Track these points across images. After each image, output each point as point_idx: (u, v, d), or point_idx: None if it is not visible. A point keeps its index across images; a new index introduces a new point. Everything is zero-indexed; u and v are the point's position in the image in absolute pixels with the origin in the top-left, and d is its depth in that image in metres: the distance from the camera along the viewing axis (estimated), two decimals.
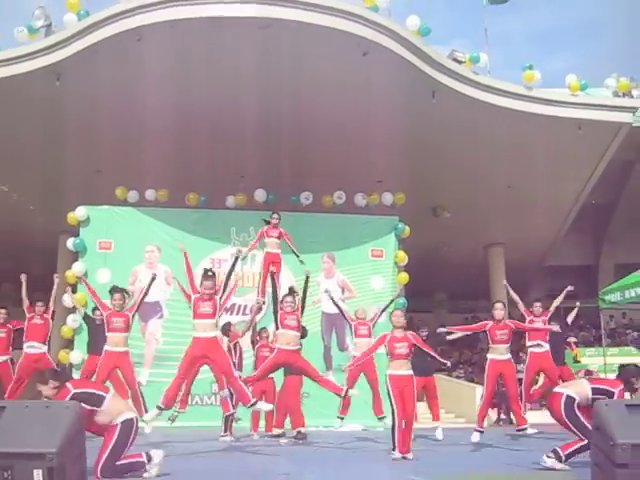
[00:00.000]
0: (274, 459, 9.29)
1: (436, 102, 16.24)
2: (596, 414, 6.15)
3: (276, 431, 11.86)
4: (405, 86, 16.21)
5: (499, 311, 10.45)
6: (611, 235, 29.93)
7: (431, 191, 20.20)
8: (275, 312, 10.79)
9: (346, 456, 10.21)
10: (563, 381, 12.50)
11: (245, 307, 16.89)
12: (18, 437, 4.98)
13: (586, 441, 6.97)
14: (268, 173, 17.58)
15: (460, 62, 17.00)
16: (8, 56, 15.92)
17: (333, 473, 7.88)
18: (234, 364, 11.39)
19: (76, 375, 14.59)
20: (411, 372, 9.02)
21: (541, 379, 13.86)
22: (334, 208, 18.10)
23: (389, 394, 8.85)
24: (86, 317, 14.70)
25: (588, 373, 17.90)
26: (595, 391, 7.32)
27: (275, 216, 14.36)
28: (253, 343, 13.22)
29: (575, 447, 7.27)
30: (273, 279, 13.22)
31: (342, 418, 12.69)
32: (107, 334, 11.41)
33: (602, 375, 17.62)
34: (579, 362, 14.82)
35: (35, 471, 4.86)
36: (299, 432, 11.62)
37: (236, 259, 10.95)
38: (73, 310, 16.84)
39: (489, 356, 11.04)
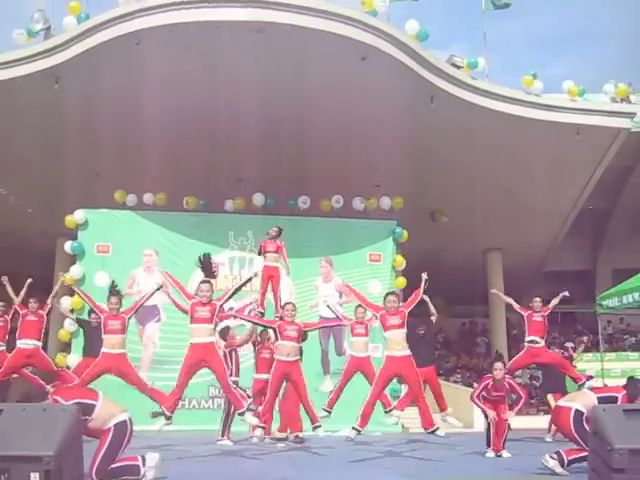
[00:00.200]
0: (271, 463, 9.28)
1: (434, 107, 16.25)
2: (594, 419, 6.15)
3: (279, 435, 11.89)
4: (404, 91, 16.23)
5: (498, 371, 10.12)
6: (609, 240, 29.97)
7: (429, 196, 20.21)
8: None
9: (343, 460, 10.19)
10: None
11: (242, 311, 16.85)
12: (15, 440, 4.98)
13: (585, 455, 6.96)
14: (266, 177, 17.59)
15: (458, 67, 17.02)
16: (7, 59, 15.92)
17: (330, 477, 7.87)
18: (230, 370, 11.43)
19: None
20: (408, 352, 9.42)
21: None
22: (332, 212, 18.11)
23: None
24: (81, 321, 14.70)
25: (589, 378, 17.86)
26: (601, 400, 7.31)
27: (274, 228, 14.25)
28: (254, 344, 13.25)
29: (580, 455, 7.24)
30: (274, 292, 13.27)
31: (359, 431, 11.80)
32: (103, 336, 11.33)
33: (600, 380, 17.60)
34: (575, 367, 14.80)
35: (32, 474, 4.85)
36: (297, 436, 11.64)
37: (249, 279, 10.94)
38: (70, 313, 16.85)
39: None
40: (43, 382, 13.01)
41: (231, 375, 11.51)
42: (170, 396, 9.41)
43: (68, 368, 16.21)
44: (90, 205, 17.18)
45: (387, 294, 10.11)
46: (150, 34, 14.51)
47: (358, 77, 15.69)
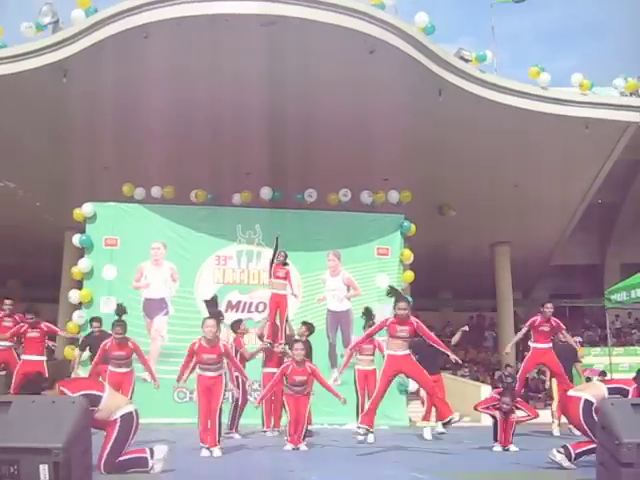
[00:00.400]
0: (279, 456, 9.29)
1: (443, 100, 16.21)
2: (602, 413, 6.14)
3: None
4: (412, 84, 16.18)
5: (506, 406, 10.22)
6: (617, 235, 29.86)
7: (437, 189, 20.18)
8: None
9: (350, 453, 10.21)
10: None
11: (250, 304, 16.92)
12: (24, 432, 4.99)
13: (592, 447, 6.96)
14: (274, 171, 17.56)
15: (467, 60, 16.97)
16: (15, 52, 15.93)
17: (337, 470, 7.88)
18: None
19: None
20: (408, 351, 9.46)
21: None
22: (340, 206, 18.09)
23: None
24: (84, 339, 14.73)
25: (602, 374, 17.84)
26: (611, 391, 7.30)
27: (282, 253, 14.30)
28: (260, 337, 13.31)
29: (587, 448, 7.25)
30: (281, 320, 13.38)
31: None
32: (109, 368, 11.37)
33: (608, 375, 17.59)
34: (580, 362, 14.78)
35: (41, 466, 4.87)
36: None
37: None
38: (79, 306, 16.91)
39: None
40: None
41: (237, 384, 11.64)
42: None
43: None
44: (98, 198, 17.21)
45: (397, 299, 9.63)
46: (158, 27, 14.50)
47: (366, 70, 15.66)
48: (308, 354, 11.74)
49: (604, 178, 21.11)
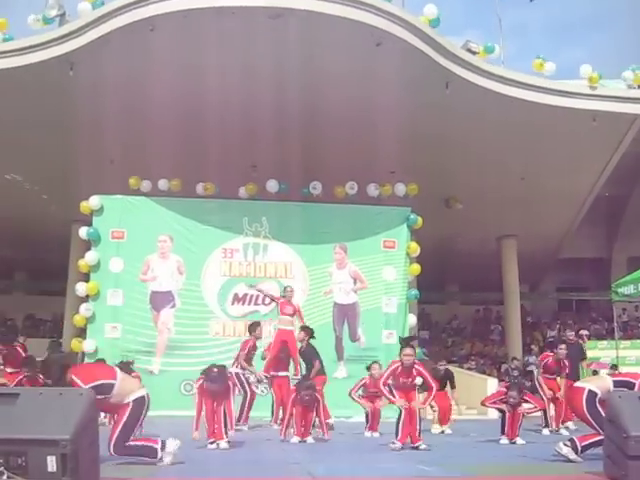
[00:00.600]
0: (286, 448, 9.32)
1: (449, 93, 16.17)
2: (609, 406, 6.14)
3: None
4: (418, 76, 16.13)
5: (512, 399, 10.38)
6: (624, 228, 29.81)
7: (444, 182, 20.13)
8: None
9: (356, 446, 10.24)
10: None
11: (257, 297, 16.94)
12: (32, 424, 5.01)
13: (600, 439, 6.96)
14: (280, 163, 17.55)
15: (474, 53, 16.91)
16: (22, 45, 15.93)
17: (344, 462, 7.89)
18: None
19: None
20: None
21: None
22: (346, 199, 18.08)
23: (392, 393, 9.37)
24: None
25: (613, 367, 17.81)
26: (617, 384, 7.30)
27: (289, 289, 14.26)
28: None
29: (593, 440, 7.25)
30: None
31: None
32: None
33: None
34: (586, 358, 14.78)
35: (49, 457, 4.88)
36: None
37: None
38: (86, 299, 16.95)
39: None
40: None
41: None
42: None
43: (84, 354, 16.37)
44: (105, 191, 17.25)
45: (405, 347, 9.55)
46: (165, 20, 14.48)
47: (373, 63, 15.62)
48: (314, 356, 11.82)
49: (611, 171, 21.04)
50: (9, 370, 12.60)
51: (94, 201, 17.09)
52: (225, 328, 16.93)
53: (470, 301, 31.95)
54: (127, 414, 6.71)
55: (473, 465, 7.52)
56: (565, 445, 7.41)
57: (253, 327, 13.02)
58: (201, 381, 8.89)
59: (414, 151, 18.37)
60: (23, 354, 12.65)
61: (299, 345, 12.56)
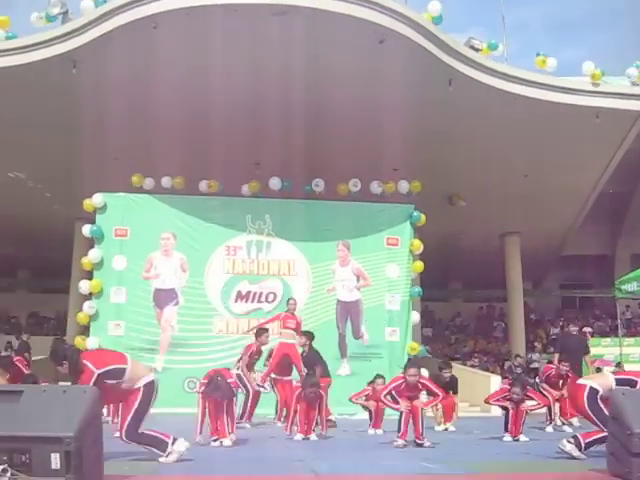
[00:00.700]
0: (290, 445, 9.32)
1: (453, 90, 16.15)
2: (613, 403, 6.13)
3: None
4: (421, 74, 16.13)
5: (515, 396, 10.40)
6: (628, 225, 29.80)
7: (447, 180, 20.12)
8: None
9: (360, 443, 10.24)
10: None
11: (260, 294, 16.96)
12: (36, 421, 5.01)
13: (607, 433, 6.95)
14: (284, 161, 17.55)
15: (477, 50, 16.89)
16: (25, 43, 15.94)
17: (347, 460, 7.89)
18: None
19: None
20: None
21: None
22: (349, 196, 18.07)
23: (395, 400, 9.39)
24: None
25: (618, 365, 17.81)
26: (619, 382, 7.30)
27: (292, 301, 14.25)
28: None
29: (596, 437, 7.24)
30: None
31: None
32: None
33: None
34: (589, 353, 14.75)
35: (52, 455, 4.88)
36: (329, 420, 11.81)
37: None
38: (89, 297, 16.96)
39: None
40: None
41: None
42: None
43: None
44: (108, 189, 17.24)
45: (410, 366, 9.60)
46: (168, 17, 14.47)
47: (376, 60, 15.61)
48: (317, 362, 11.80)
49: (615, 168, 21.02)
50: None
51: (97, 199, 17.09)
52: (228, 326, 16.93)
53: (473, 298, 31.96)
54: (138, 400, 6.75)
55: (477, 462, 7.51)
56: (569, 442, 7.41)
57: (259, 333, 12.86)
58: (204, 387, 8.93)
59: (417, 148, 18.37)
60: (25, 370, 12.46)
61: (301, 350, 12.53)
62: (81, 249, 19.59)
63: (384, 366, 15.34)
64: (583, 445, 7.30)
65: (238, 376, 12.07)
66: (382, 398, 9.55)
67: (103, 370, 6.56)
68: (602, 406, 7.14)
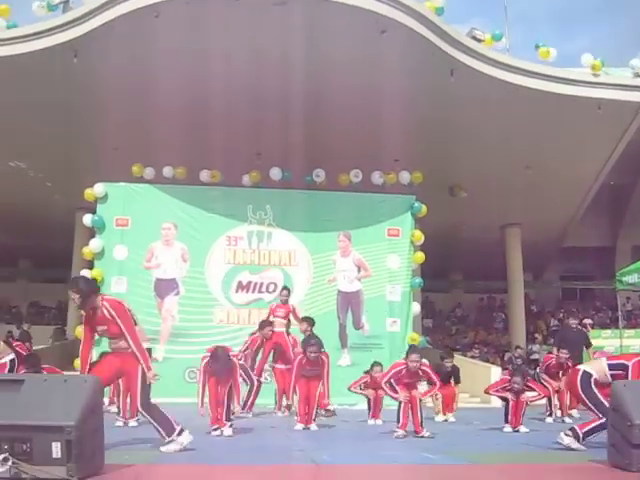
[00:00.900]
0: (290, 435, 9.34)
1: (455, 81, 16.13)
2: (614, 395, 6.13)
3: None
4: (423, 64, 16.11)
5: (517, 385, 10.39)
6: (629, 217, 29.77)
7: (448, 170, 20.12)
8: None
9: (360, 434, 10.26)
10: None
11: (261, 285, 16.96)
12: (37, 410, 5.02)
13: (604, 420, 6.97)
14: (285, 151, 17.52)
15: (479, 40, 16.87)
16: (26, 32, 15.93)
17: (347, 450, 7.91)
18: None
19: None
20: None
21: None
22: (350, 187, 18.05)
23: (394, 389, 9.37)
24: None
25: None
26: (612, 367, 7.34)
27: (284, 292, 14.08)
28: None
29: (593, 425, 7.27)
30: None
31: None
32: None
33: None
34: (591, 346, 14.73)
35: (54, 444, 4.89)
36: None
37: None
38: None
39: None
40: None
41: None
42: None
43: None
44: (108, 179, 17.20)
45: (411, 352, 9.61)
46: (169, 6, 14.46)
47: (377, 50, 15.59)
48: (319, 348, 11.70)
49: (616, 159, 21.00)
50: None
51: (98, 189, 17.07)
52: (229, 316, 16.93)
53: (474, 289, 31.97)
54: (140, 370, 6.81)
55: (477, 453, 7.52)
56: (567, 435, 7.41)
57: (263, 326, 12.77)
58: (205, 360, 8.95)
59: (419, 139, 18.36)
60: (24, 353, 12.43)
61: (303, 337, 12.50)
62: (82, 239, 19.60)
63: (385, 357, 15.32)
64: (581, 436, 7.31)
65: (242, 367, 12.08)
66: (383, 385, 9.56)
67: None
68: (596, 391, 7.20)
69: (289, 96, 16.39)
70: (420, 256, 17.77)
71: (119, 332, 6.84)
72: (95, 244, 16.88)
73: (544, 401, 12.88)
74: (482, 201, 21.90)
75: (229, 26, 14.99)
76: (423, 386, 10.98)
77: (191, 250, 17.19)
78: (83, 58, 15.59)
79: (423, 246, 17.93)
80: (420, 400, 9.49)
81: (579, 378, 7.41)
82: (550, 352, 14.27)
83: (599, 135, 19.21)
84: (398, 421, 9.10)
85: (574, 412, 12.68)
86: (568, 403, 12.69)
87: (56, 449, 4.90)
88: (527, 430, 10.02)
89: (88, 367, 7.14)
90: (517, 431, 10.03)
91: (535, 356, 22.33)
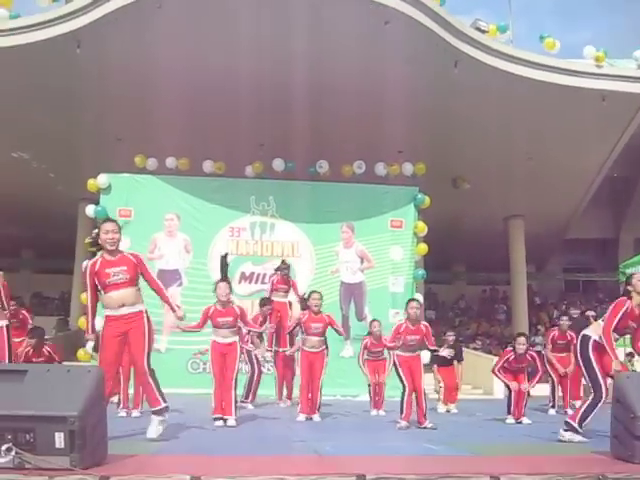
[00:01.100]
0: (292, 426, 9.35)
1: (458, 72, 16.09)
2: (616, 386, 6.12)
3: None
4: (427, 55, 16.08)
5: (521, 346, 10.37)
6: (632, 209, 29.72)
7: (451, 162, 20.08)
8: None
9: (363, 425, 10.27)
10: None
11: (264, 275, 16.95)
12: (40, 400, 5.02)
13: (593, 398, 7.14)
14: (288, 142, 17.50)
15: (483, 31, 16.82)
16: (28, 23, 15.90)
17: (350, 440, 7.91)
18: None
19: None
20: (417, 353, 9.40)
21: None
22: (353, 178, 18.05)
23: (397, 370, 9.28)
24: None
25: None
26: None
27: (284, 265, 13.98)
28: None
29: (583, 409, 7.33)
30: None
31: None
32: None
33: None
34: None
35: (57, 434, 4.89)
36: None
37: None
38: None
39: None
40: None
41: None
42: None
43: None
44: (111, 170, 17.20)
45: (410, 300, 9.79)
46: None
47: (381, 42, 15.55)
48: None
49: (620, 152, 20.95)
50: (15, 339, 11.86)
51: (102, 179, 17.07)
52: None
53: (477, 281, 31.98)
54: (146, 331, 7.10)
55: (480, 444, 7.52)
56: (565, 430, 7.41)
57: (263, 303, 12.76)
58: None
59: (422, 130, 18.33)
60: (30, 321, 12.32)
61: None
62: (85, 229, 19.58)
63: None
64: (576, 426, 7.31)
65: (248, 352, 12.10)
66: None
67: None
68: (592, 355, 7.21)
69: (292, 87, 16.37)
70: (423, 247, 17.77)
71: (135, 275, 7.12)
72: None
73: (547, 392, 12.92)
74: (485, 193, 21.88)
75: (232, 16, 14.96)
76: (425, 357, 11.01)
77: (194, 241, 17.20)
78: (86, 49, 15.57)
79: (426, 237, 17.93)
80: (528, 394, 9.81)
81: (578, 342, 7.48)
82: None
83: (602, 127, 19.16)
84: (401, 412, 9.10)
85: (577, 403, 12.68)
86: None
87: (59, 439, 4.90)
88: (530, 422, 10.04)
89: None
90: (520, 422, 10.04)
91: (538, 348, 22.33)
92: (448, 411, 12.37)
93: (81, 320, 16.76)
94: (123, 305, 6.91)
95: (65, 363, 12.05)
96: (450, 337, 12.79)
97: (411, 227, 17.59)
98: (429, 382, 11.91)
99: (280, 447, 7.10)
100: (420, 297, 17.65)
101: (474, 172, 20.75)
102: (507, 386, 10.51)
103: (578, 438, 7.29)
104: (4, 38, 15.94)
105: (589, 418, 7.28)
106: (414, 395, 9.18)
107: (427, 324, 9.58)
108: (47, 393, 5.08)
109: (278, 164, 17.83)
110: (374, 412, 11.51)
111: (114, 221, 7.41)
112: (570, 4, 62.89)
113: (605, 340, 7.12)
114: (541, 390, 13.37)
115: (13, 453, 4.81)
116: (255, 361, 12.47)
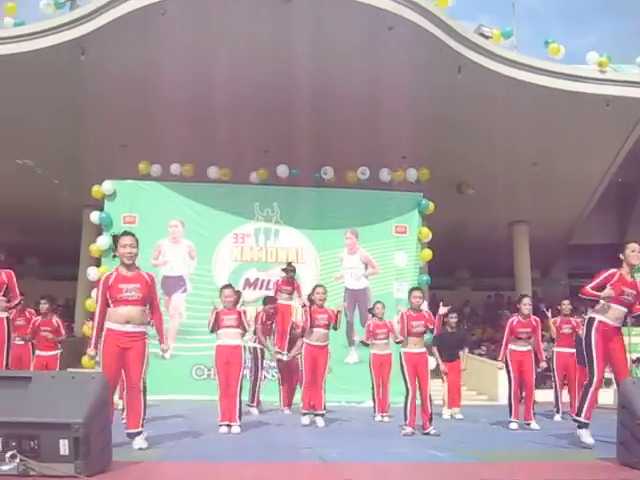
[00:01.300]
0: (297, 432, 9.33)
1: (462, 77, 16.09)
2: (622, 392, 6.10)
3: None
4: (430, 61, 16.07)
5: (526, 306, 10.40)
6: (637, 214, 29.61)
7: (456, 168, 20.06)
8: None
9: (368, 431, 10.25)
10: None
11: (268, 282, 16.93)
12: (44, 407, 5.02)
13: (585, 384, 7.26)
14: (292, 148, 17.51)
15: (487, 37, 16.82)
16: (33, 30, 15.93)
17: (355, 447, 7.90)
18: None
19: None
20: (424, 349, 9.31)
21: None
22: (358, 184, 18.05)
23: (402, 371, 9.13)
24: None
25: (637, 361, 17.79)
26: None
27: (289, 268, 13.86)
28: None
29: (580, 401, 7.41)
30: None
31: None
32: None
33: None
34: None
35: (61, 441, 4.90)
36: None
37: None
38: (97, 284, 16.96)
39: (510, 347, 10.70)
40: None
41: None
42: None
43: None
44: (115, 176, 17.25)
45: (412, 289, 9.81)
46: (176, 3, 14.46)
47: (385, 48, 15.56)
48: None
49: (624, 157, 20.92)
50: (18, 342, 11.80)
51: (106, 186, 17.11)
52: None
53: (481, 287, 31.89)
54: (145, 348, 7.00)
55: (485, 451, 7.50)
56: (580, 429, 7.37)
57: (267, 302, 12.67)
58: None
59: (426, 136, 18.30)
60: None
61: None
62: (89, 236, 19.63)
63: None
64: (583, 419, 7.28)
65: (254, 350, 12.10)
66: (587, 290, 9.22)
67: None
68: (594, 338, 7.27)
69: (297, 94, 16.38)
70: (427, 253, 17.77)
71: (147, 296, 7.14)
72: (102, 241, 16.90)
73: (552, 398, 12.88)
74: (489, 198, 21.84)
75: (236, 23, 14.98)
76: (432, 363, 11.01)
77: (198, 247, 17.22)
78: (90, 55, 15.60)
79: (430, 243, 17.93)
80: (430, 397, 9.48)
81: (586, 323, 7.53)
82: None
83: (607, 132, 19.12)
84: (405, 418, 9.07)
85: None
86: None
87: (64, 446, 4.90)
88: (538, 427, 9.99)
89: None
90: (528, 424, 10.02)
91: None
92: (452, 416, 12.33)
93: (85, 327, 16.79)
94: (129, 322, 6.86)
95: (69, 370, 12.05)
96: (453, 319, 12.76)
97: (415, 233, 17.59)
98: (436, 388, 11.90)
99: (285, 454, 7.09)
100: (425, 304, 17.64)
101: (478, 178, 20.73)
102: (509, 376, 10.47)
103: (589, 440, 7.24)
104: (9, 45, 15.97)
105: (585, 406, 7.25)
106: (419, 399, 9.10)
107: (429, 311, 9.62)
108: (51, 400, 5.08)
109: (283, 170, 17.84)
110: (378, 417, 11.47)
111: (133, 235, 7.31)
112: (575, 8, 62.86)
113: (582, 293, 7.50)
114: (546, 396, 13.35)
115: (17, 460, 4.81)
116: (260, 357, 12.40)
